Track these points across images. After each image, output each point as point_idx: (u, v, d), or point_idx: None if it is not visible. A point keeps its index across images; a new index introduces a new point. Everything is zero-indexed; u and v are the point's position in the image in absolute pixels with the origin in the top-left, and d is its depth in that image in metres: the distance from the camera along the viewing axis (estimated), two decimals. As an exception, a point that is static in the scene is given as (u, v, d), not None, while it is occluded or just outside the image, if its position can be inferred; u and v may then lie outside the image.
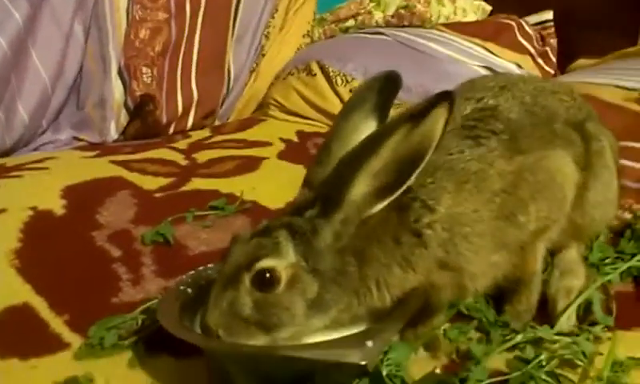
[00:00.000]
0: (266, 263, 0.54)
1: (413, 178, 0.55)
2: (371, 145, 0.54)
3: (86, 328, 0.67)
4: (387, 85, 0.65)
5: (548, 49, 1.89)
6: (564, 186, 0.67)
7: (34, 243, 0.87)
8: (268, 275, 0.54)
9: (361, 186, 0.55)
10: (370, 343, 0.52)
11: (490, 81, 0.71)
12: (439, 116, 0.53)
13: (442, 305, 0.64)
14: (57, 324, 0.70)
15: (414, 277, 0.59)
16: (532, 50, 1.83)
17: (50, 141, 1.44)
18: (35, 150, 1.41)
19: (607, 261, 0.81)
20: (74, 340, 0.67)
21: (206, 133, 1.58)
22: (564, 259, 0.77)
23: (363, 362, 0.52)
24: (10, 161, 1.22)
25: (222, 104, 1.75)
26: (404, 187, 0.55)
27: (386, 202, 0.55)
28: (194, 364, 0.62)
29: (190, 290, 0.67)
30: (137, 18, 1.49)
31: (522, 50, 1.82)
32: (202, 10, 1.62)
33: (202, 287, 0.68)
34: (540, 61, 1.84)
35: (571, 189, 0.68)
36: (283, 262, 0.55)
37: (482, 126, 0.64)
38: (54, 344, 0.66)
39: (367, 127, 0.63)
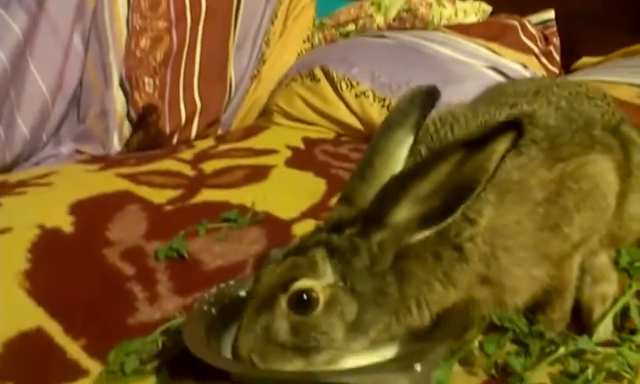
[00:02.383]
0: (303, 284, 0.51)
1: (460, 210, 0.51)
2: (420, 169, 0.51)
3: (104, 353, 0.63)
4: (428, 99, 0.63)
5: (552, 48, 1.88)
6: (607, 194, 0.65)
7: (44, 264, 0.83)
8: (305, 296, 0.51)
9: (405, 210, 0.52)
10: (418, 367, 0.50)
11: (522, 85, 0.69)
12: (499, 147, 0.49)
13: (477, 319, 0.62)
14: (74, 350, 0.66)
15: (455, 293, 0.57)
16: (536, 50, 1.82)
17: (52, 154, 1.40)
18: (36, 164, 1.37)
19: (637, 264, 0.79)
20: (93, 366, 0.63)
21: (210, 142, 1.55)
22: (595, 265, 0.75)
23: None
24: (12, 177, 1.18)
25: (224, 112, 1.72)
26: (449, 219, 0.51)
27: (428, 232, 0.52)
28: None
29: (213, 311, 0.65)
30: (137, 27, 1.45)
31: (527, 49, 1.80)
32: (202, 18, 1.58)
33: (227, 307, 0.65)
34: (544, 60, 1.82)
35: (613, 198, 0.66)
36: (321, 282, 0.52)
37: None
38: (73, 372, 0.63)
39: (409, 143, 0.61)
